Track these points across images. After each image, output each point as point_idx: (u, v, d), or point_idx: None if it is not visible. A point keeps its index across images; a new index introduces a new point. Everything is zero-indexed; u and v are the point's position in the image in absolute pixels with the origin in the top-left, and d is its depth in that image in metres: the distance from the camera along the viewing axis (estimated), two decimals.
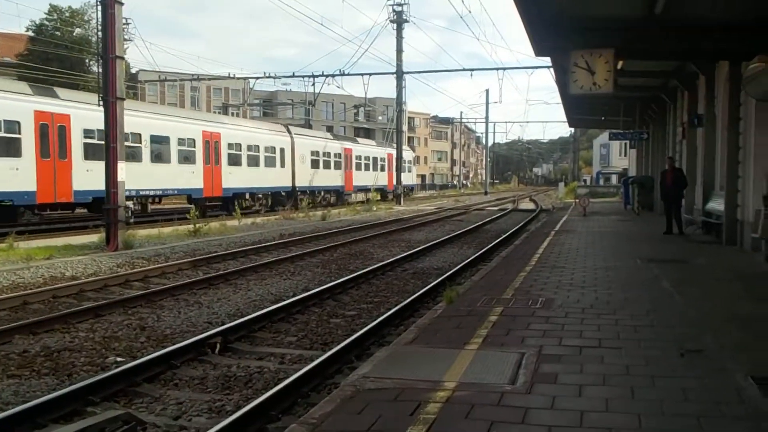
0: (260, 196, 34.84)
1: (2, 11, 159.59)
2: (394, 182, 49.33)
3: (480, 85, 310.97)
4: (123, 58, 18.09)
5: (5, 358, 7.52)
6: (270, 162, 35.40)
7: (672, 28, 13.29)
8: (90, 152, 22.92)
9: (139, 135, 25.67)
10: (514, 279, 10.25)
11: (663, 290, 9.24)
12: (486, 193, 75.95)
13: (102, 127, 19.60)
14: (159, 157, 27.29)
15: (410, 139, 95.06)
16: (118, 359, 7.54)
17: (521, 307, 7.98)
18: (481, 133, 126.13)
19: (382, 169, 50.07)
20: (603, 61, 13.65)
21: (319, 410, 4.68)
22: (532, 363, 5.60)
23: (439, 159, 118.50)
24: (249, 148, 33.46)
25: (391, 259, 15.35)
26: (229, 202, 31.52)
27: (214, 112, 61.48)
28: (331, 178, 42.36)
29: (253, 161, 33.84)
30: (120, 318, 9.66)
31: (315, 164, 40.22)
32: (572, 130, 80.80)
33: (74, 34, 55.29)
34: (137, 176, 24.33)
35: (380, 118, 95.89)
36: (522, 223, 26.42)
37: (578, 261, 12.44)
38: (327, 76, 43.64)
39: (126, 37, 42.09)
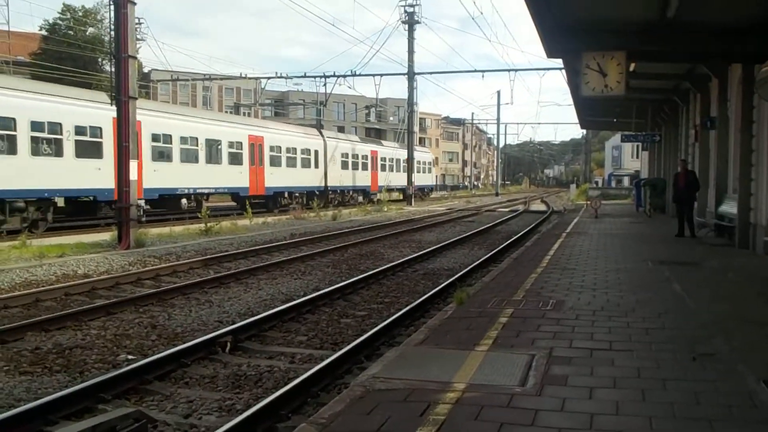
0: (297, 194, 37.29)
1: (16, 10, 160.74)
2: (416, 182, 51.78)
3: (491, 87, 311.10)
4: (135, 58, 18.17)
5: (18, 355, 7.57)
6: (305, 163, 38.44)
7: (684, 30, 13.23)
8: (156, 154, 26.55)
9: (196, 138, 28.91)
10: (524, 280, 10.23)
11: (674, 293, 9.20)
12: (497, 194, 75.82)
13: (166, 131, 27.14)
14: (212, 158, 30.45)
15: (421, 140, 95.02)
16: (130, 357, 7.58)
17: (532, 309, 7.96)
18: (493, 134, 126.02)
19: (404, 170, 51.51)
20: (615, 63, 13.62)
21: (329, 410, 4.69)
22: (543, 365, 5.59)
23: (450, 160, 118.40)
24: (288, 150, 36.58)
25: (402, 260, 15.35)
26: (270, 200, 34.94)
27: (226, 112, 61.70)
28: (359, 178, 45.11)
29: (291, 162, 36.95)
30: (131, 316, 9.70)
31: (345, 165, 43.20)
32: (584, 131, 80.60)
33: (87, 33, 55.56)
34: (194, 176, 28.56)
35: (391, 118, 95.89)
36: (533, 225, 26.37)
37: (589, 263, 12.40)
38: (338, 76, 43.74)
39: (138, 36, 42.33)
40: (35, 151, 20.91)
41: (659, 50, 14.34)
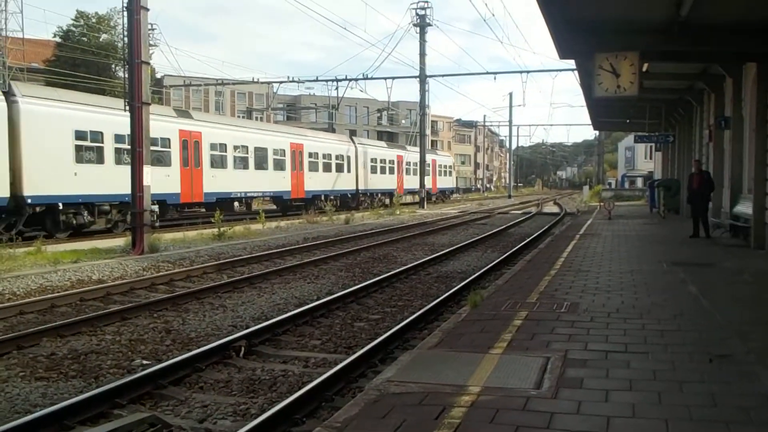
0: (332, 198, 38.56)
1: (30, 18, 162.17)
2: (438, 185, 57.09)
3: (503, 89, 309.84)
4: (148, 63, 18.28)
5: (33, 361, 7.62)
6: (339, 168, 40.70)
7: (698, 30, 13.17)
8: (215, 162, 29.04)
9: (246, 147, 31.22)
10: (538, 283, 10.19)
11: (690, 294, 9.14)
12: (510, 196, 75.58)
13: (222, 141, 29.23)
14: (260, 165, 32.63)
15: (433, 143, 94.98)
16: (144, 362, 7.61)
17: (546, 311, 7.93)
18: (505, 137, 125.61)
19: (428, 174, 53.32)
20: (628, 63, 13.58)
21: (344, 414, 4.69)
22: (558, 367, 5.56)
23: (463, 162, 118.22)
24: (324, 156, 38.85)
25: (415, 263, 15.33)
26: (309, 203, 36.31)
27: (238, 116, 61.94)
28: (387, 182, 47.46)
29: (327, 168, 39.24)
30: (146, 321, 9.74)
31: (374, 170, 45.49)
32: (597, 132, 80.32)
33: (101, 39, 55.90)
34: (245, 181, 30.94)
35: (403, 121, 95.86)
36: (546, 227, 26.29)
37: (603, 265, 12.34)
38: (350, 80, 43.72)
39: (151, 42, 42.59)
40: (118, 161, 23.21)
41: (673, 50, 14.28)
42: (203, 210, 32.47)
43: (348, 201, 41.32)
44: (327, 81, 44.71)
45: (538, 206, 47.43)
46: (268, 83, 52.85)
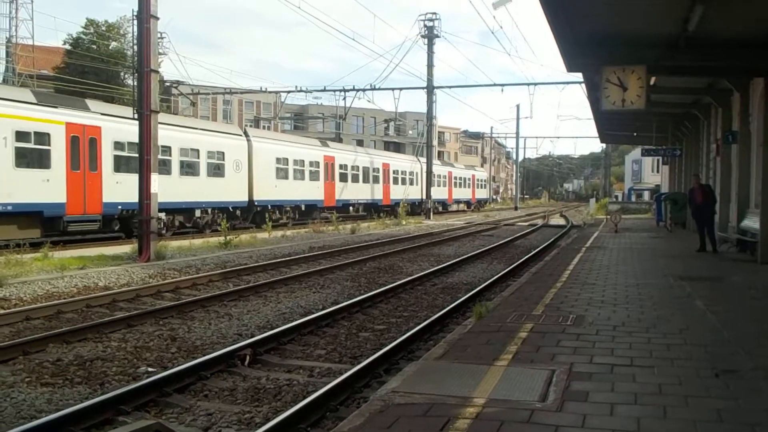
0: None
1: (41, 25, 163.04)
2: (477, 196, 68.70)
3: (510, 100, 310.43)
4: (157, 72, 18.38)
5: (39, 367, 7.64)
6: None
7: (705, 44, 13.17)
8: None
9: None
10: (544, 295, 10.18)
11: (696, 309, 9.11)
12: (516, 208, 75.45)
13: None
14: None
15: (440, 154, 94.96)
16: (149, 369, 7.62)
17: (552, 324, 7.92)
18: (512, 148, 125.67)
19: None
20: (635, 77, 13.58)
21: (348, 424, 4.69)
22: (563, 380, 5.55)
23: None
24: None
25: (420, 274, 15.33)
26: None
27: (246, 125, 62.12)
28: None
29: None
30: (151, 328, 9.76)
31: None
32: (604, 145, 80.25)
33: (110, 47, 56.21)
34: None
35: (410, 132, 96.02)
36: (552, 239, 26.26)
37: (609, 278, 12.32)
38: (358, 90, 43.82)
39: (160, 50, 42.76)
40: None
41: (680, 65, 14.29)
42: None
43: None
44: (335, 91, 44.89)
45: (545, 218, 47.36)
46: (276, 92, 53.05)
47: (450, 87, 51.05)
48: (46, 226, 20.72)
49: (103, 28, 56.25)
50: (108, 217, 22.90)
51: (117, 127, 22.84)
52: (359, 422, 4.69)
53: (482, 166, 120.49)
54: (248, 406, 6.39)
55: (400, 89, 45.20)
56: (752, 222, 16.13)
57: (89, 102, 24.28)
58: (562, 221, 43.71)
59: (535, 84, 60.27)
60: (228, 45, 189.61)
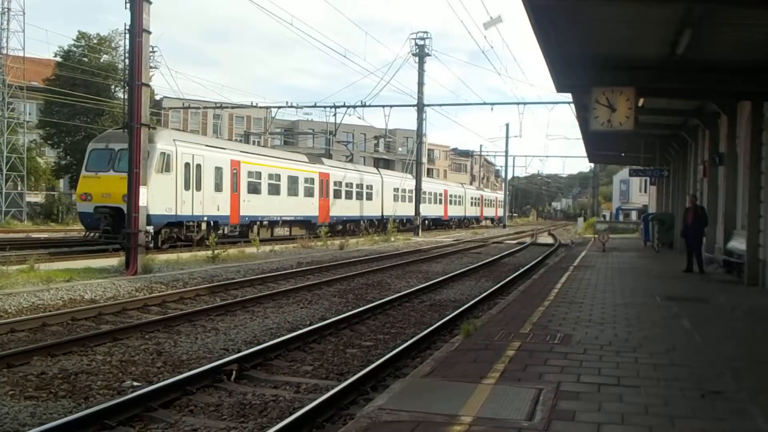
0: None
1: (32, 37, 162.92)
2: (489, 214, 78.21)
3: (500, 119, 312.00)
4: (148, 85, 18.37)
5: (23, 380, 7.57)
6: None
7: (693, 68, 13.33)
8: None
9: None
10: (532, 314, 10.19)
11: (683, 329, 9.15)
12: (504, 226, 75.63)
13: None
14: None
15: (429, 171, 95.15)
16: (135, 384, 7.57)
17: (539, 343, 7.93)
18: (501, 167, 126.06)
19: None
20: (624, 98, 13.69)
21: None
22: (550, 399, 5.56)
23: None
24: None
25: (409, 290, 15.33)
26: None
27: (236, 140, 62.15)
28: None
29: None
30: (137, 342, 9.70)
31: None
32: (592, 165, 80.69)
33: (101, 60, 56.05)
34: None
35: (400, 149, 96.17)
36: (540, 257, 26.32)
37: (597, 297, 12.35)
38: (348, 107, 43.94)
39: (152, 64, 42.75)
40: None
41: (668, 87, 14.43)
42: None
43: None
44: (325, 107, 44.96)
45: (533, 237, 47.48)
46: (267, 108, 53.02)
47: (440, 105, 51.67)
48: (310, 228, 36.05)
49: (95, 41, 56.09)
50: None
51: (334, 172, 40.08)
52: None
53: (471, 183, 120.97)
54: (234, 422, 6.35)
55: (391, 106, 45.39)
56: (739, 243, 16.23)
57: (324, 160, 41.76)
58: (550, 240, 43.83)
59: (525, 103, 59.90)
60: (220, 60, 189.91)
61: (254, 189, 31.24)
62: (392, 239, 37.27)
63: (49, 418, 6.29)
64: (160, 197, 23.78)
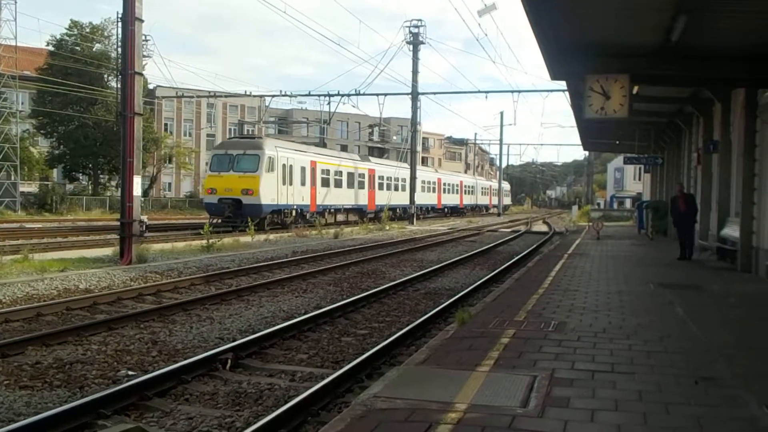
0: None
1: (24, 26, 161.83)
2: (497, 202, 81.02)
3: (495, 107, 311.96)
4: (142, 74, 18.29)
5: (18, 369, 7.56)
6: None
7: (688, 55, 13.31)
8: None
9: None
10: (526, 301, 10.22)
11: (677, 316, 9.19)
12: (499, 214, 75.75)
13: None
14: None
15: (424, 159, 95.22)
16: (130, 373, 7.56)
17: (534, 330, 7.95)
18: (495, 155, 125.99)
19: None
20: (618, 86, 13.68)
21: (329, 429, 4.68)
22: (544, 386, 5.57)
23: None
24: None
25: (403, 279, 15.34)
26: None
27: (230, 129, 62.06)
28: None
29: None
30: (132, 331, 9.69)
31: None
32: (586, 153, 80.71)
33: (94, 49, 55.77)
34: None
35: (395, 137, 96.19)
36: (535, 246, 26.37)
37: (591, 285, 12.39)
38: (343, 95, 43.91)
39: (145, 53, 42.52)
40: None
41: (663, 74, 14.41)
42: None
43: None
44: (319, 96, 44.90)
45: (528, 225, 47.54)
46: (261, 96, 52.93)
47: (434, 93, 51.95)
48: (362, 214, 44.25)
49: (87, 30, 55.80)
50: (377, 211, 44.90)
51: (378, 168, 48.33)
52: (341, 427, 4.68)
53: (466, 172, 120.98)
54: (229, 411, 6.36)
55: (385, 95, 45.50)
56: (732, 230, 16.30)
57: (371, 158, 51.62)
58: (544, 228, 43.92)
59: (519, 91, 59.86)
60: (214, 49, 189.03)
61: (325, 183, 39.20)
62: (387, 228, 37.28)
63: (45, 407, 6.29)
64: (268, 191, 32.07)
